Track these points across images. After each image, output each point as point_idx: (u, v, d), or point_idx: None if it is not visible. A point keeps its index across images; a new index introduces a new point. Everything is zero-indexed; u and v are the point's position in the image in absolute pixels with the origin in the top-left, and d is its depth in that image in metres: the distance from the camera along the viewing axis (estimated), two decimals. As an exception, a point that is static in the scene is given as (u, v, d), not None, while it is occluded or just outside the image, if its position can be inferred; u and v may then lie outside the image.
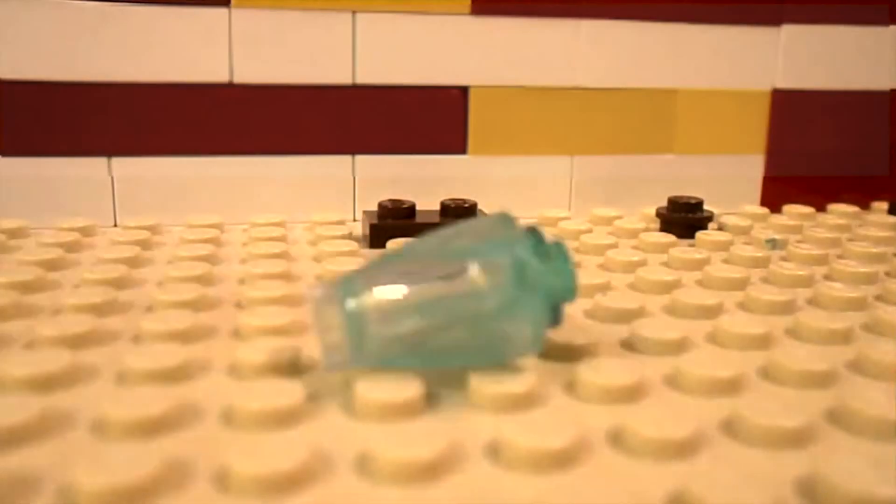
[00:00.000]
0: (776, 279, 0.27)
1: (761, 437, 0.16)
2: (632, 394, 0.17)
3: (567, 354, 0.19)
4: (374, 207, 0.32)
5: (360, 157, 0.35)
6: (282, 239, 0.31)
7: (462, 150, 0.36)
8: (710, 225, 0.34)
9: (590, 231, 0.33)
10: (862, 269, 0.27)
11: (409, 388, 0.16)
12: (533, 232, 0.18)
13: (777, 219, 0.36)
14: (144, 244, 0.30)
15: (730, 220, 0.35)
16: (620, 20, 0.36)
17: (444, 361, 0.18)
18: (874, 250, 0.30)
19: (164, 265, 0.27)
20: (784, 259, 0.30)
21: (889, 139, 0.40)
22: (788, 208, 0.38)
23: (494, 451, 0.15)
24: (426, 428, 0.16)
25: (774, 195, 0.39)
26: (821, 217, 0.37)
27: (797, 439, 0.16)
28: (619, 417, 0.16)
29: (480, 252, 0.17)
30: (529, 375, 0.17)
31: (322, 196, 0.35)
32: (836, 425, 0.17)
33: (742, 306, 0.24)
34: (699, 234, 0.32)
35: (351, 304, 0.17)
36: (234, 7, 0.33)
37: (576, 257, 0.26)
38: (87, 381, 0.18)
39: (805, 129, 0.39)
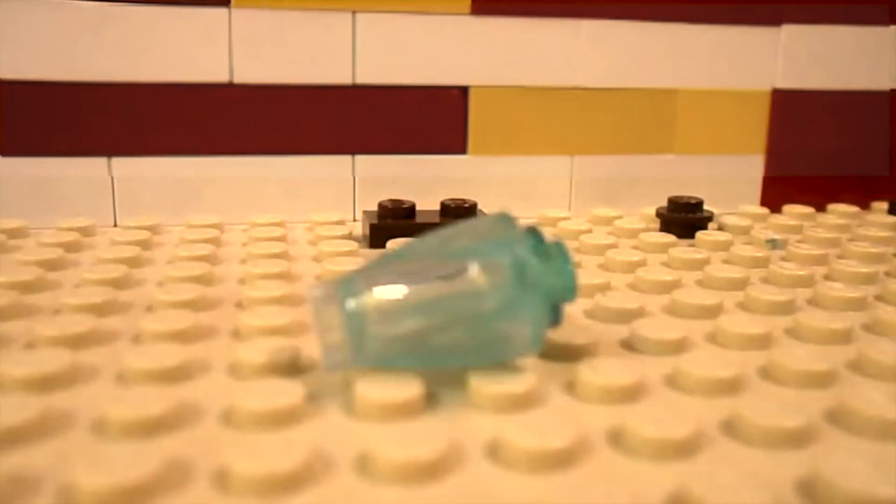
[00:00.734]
0: (776, 279, 0.27)
1: (761, 437, 0.16)
2: (632, 394, 0.17)
3: (567, 354, 0.19)
4: (374, 207, 0.32)
5: (360, 157, 0.35)
6: (282, 239, 0.31)
7: (462, 150, 0.36)
8: (710, 225, 0.34)
9: (590, 231, 0.33)
10: (862, 269, 0.27)
11: (409, 388, 0.16)
12: (533, 232, 0.18)
13: (777, 219, 0.36)
14: (144, 244, 0.30)
15: (730, 220, 0.35)
16: (620, 20, 0.36)
17: (444, 361, 0.18)
18: (874, 250, 0.30)
19: (164, 265, 0.27)
20: (784, 259, 0.30)
21: (889, 139, 0.40)
22: (788, 208, 0.38)
23: (494, 451, 0.15)
24: (426, 428, 0.16)
25: (774, 195, 0.39)
26: (821, 217, 0.37)
27: (797, 439, 0.16)
28: (619, 417, 0.16)
29: (480, 252, 0.17)
30: (529, 375, 0.17)
31: (322, 196, 0.35)
32: (835, 425, 0.17)
33: (742, 306, 0.24)
34: (699, 234, 0.32)
35: (351, 304, 0.17)
36: (234, 7, 0.33)
37: (576, 257, 0.26)
38: (86, 381, 0.18)
39: (805, 129, 0.39)
